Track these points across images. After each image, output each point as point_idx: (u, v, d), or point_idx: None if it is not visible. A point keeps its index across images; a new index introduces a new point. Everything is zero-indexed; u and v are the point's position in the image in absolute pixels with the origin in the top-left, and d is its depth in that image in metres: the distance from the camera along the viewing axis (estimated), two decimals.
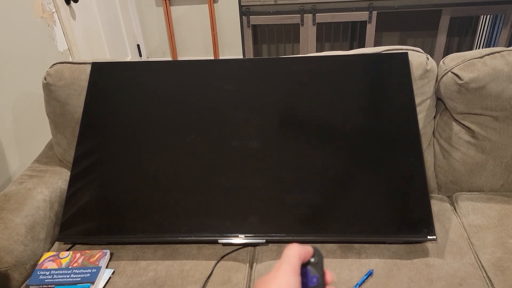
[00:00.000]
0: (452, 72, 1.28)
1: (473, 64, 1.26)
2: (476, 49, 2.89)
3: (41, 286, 1.08)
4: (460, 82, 1.25)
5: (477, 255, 1.12)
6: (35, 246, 1.19)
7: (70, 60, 1.46)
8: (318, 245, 1.17)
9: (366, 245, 1.16)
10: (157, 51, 3.38)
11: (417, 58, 1.32)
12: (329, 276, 0.46)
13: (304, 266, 0.46)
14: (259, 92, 1.33)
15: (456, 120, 1.33)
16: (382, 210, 1.16)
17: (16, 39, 1.75)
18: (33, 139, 1.88)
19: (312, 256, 0.46)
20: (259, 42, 3.08)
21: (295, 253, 0.45)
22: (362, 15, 2.51)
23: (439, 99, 1.37)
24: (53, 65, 1.43)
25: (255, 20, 2.60)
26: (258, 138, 1.27)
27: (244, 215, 1.18)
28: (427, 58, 1.32)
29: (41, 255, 1.20)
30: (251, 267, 1.15)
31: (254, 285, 0.43)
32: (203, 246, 1.20)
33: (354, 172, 1.21)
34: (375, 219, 1.15)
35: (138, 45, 3.23)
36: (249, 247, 1.20)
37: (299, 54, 3.04)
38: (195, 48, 3.34)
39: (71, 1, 2.17)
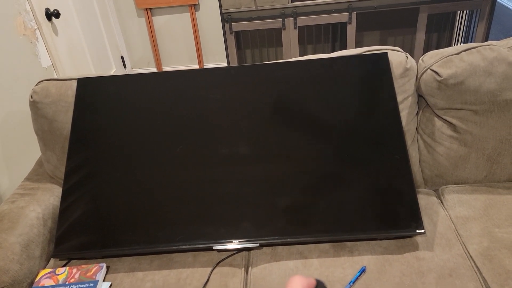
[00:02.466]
0: (431, 69, 1.31)
1: (450, 60, 1.29)
2: (454, 44, 2.95)
3: None
4: (439, 78, 1.29)
5: (465, 245, 1.15)
6: (31, 264, 1.19)
7: (55, 76, 1.47)
8: (311, 246, 1.19)
9: (358, 242, 1.18)
10: (142, 62, 3.39)
11: (397, 57, 1.36)
12: None
13: None
14: (245, 99, 1.35)
15: (438, 116, 1.37)
16: (371, 208, 1.19)
17: None
18: (22, 157, 1.87)
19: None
20: (243, 47, 3.10)
21: (298, 285, 0.46)
22: (342, 17, 2.55)
23: (420, 96, 1.41)
24: (38, 82, 1.44)
25: (237, 26, 2.62)
26: (246, 144, 1.29)
27: (237, 220, 1.20)
28: (407, 57, 1.36)
29: (38, 273, 1.20)
30: (246, 271, 1.17)
31: None
32: (199, 253, 1.21)
33: (342, 172, 1.24)
34: (365, 216, 1.18)
35: (122, 57, 3.24)
36: (244, 252, 1.22)
37: (282, 58, 3.07)
38: (179, 57, 3.35)
39: (53, 17, 2.18)
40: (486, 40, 2.62)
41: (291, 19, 2.57)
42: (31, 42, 1.98)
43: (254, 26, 2.61)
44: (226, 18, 2.60)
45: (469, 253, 1.13)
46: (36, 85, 1.43)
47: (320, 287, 0.48)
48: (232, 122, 1.32)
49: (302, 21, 2.57)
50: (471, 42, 2.70)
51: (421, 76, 1.34)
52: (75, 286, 1.11)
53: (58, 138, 1.43)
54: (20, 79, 1.88)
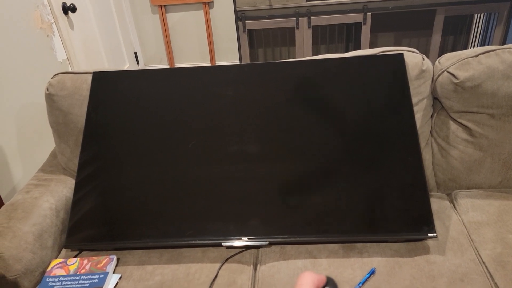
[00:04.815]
0: (447, 72, 1.30)
1: (468, 63, 1.28)
2: (471, 47, 2.92)
3: None
4: (456, 81, 1.28)
5: (477, 251, 1.14)
6: (43, 254, 1.20)
7: (70, 69, 1.48)
8: (320, 246, 1.19)
9: (368, 244, 1.18)
10: (154, 58, 3.41)
11: (413, 58, 1.34)
12: None
13: None
14: (258, 96, 1.35)
15: (453, 119, 1.35)
16: (383, 209, 1.18)
17: (16, 50, 1.77)
18: (36, 148, 1.89)
19: (326, 285, 0.47)
20: (255, 46, 3.10)
21: (309, 281, 0.45)
22: (357, 17, 2.53)
23: (435, 98, 1.39)
24: (54, 75, 1.45)
25: (251, 24, 2.62)
26: (258, 142, 1.29)
27: (247, 218, 1.20)
28: (423, 59, 1.34)
29: (49, 262, 1.21)
30: (255, 268, 1.17)
31: None
32: (208, 249, 1.21)
33: (354, 173, 1.23)
34: (376, 218, 1.17)
35: (135, 53, 3.26)
36: (253, 249, 1.22)
37: (295, 57, 3.07)
38: (191, 54, 3.36)
39: (69, 11, 2.20)
40: (504, 44, 2.58)
41: (305, 18, 2.56)
42: (47, 36, 2.00)
43: (267, 24, 2.61)
44: (240, 16, 2.60)
45: (481, 258, 1.12)
46: (52, 78, 1.44)
47: (331, 284, 0.48)
48: (244, 119, 1.32)
49: (316, 20, 2.56)
50: (488, 45, 2.67)
51: (437, 78, 1.33)
52: (86, 277, 1.12)
53: (72, 131, 1.44)
54: (36, 72, 1.90)
